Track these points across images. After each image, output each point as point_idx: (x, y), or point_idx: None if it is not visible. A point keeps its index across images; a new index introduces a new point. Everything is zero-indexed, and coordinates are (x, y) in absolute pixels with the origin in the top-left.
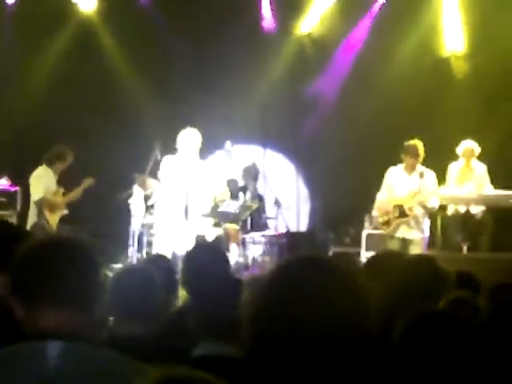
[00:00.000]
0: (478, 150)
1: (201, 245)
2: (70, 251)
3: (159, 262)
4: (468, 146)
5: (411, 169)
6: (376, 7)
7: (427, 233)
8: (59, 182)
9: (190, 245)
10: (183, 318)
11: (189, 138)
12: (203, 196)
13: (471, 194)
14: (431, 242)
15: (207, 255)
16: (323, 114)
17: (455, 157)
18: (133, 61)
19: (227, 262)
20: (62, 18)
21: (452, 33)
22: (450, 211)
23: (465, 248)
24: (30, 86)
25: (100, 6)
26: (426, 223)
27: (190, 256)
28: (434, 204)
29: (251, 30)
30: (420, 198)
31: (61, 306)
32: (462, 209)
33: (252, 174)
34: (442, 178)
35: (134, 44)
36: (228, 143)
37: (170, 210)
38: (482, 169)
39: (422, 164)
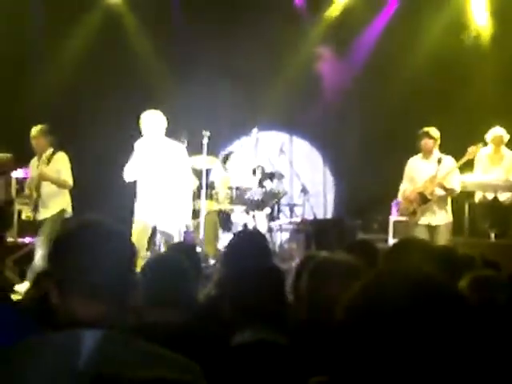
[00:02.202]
0: (506, 137)
1: (243, 232)
2: (110, 238)
3: (185, 250)
4: (497, 133)
5: (428, 154)
6: None
7: (451, 217)
8: None
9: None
10: (216, 305)
11: (150, 120)
12: (177, 176)
13: (499, 181)
14: (458, 229)
15: (249, 243)
16: (349, 100)
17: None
18: (157, 46)
19: (268, 250)
20: (89, 4)
21: (478, 18)
22: (477, 198)
23: (492, 235)
24: (55, 73)
25: None
26: (449, 206)
27: (232, 243)
28: (455, 185)
29: (276, 13)
30: (438, 180)
31: (94, 295)
32: (490, 195)
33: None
34: (469, 165)
35: (158, 29)
36: (255, 130)
37: (142, 192)
38: (510, 156)
39: (451, 152)
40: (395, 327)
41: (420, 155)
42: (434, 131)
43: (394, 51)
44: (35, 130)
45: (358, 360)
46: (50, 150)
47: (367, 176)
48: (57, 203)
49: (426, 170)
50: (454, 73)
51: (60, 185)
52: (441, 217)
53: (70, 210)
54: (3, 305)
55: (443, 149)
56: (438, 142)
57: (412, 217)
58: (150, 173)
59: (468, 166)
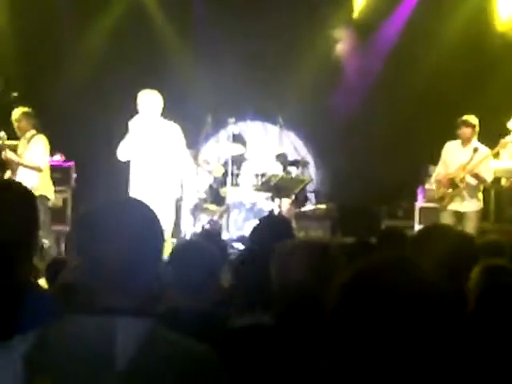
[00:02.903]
0: None
1: (268, 218)
2: (138, 224)
3: (211, 237)
4: None
5: (467, 142)
6: None
7: (481, 205)
8: None
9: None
10: (234, 291)
11: (146, 99)
12: (172, 156)
13: None
14: (485, 215)
15: (272, 229)
16: (374, 85)
17: (507, 131)
18: (182, 37)
19: (293, 235)
20: None
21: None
22: (503, 184)
23: None
24: (80, 64)
25: None
26: (479, 193)
27: (256, 228)
28: (487, 176)
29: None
30: (470, 167)
31: (119, 288)
32: None
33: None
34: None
35: (183, 20)
36: (280, 118)
37: (137, 171)
38: None
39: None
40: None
41: (459, 141)
42: (473, 119)
43: (419, 37)
44: (17, 113)
45: (348, 347)
46: (32, 132)
47: (392, 162)
48: (33, 189)
49: (461, 157)
50: (479, 59)
51: (30, 167)
52: (470, 204)
53: (51, 196)
54: (36, 291)
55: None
56: (477, 129)
57: (441, 201)
58: (145, 152)
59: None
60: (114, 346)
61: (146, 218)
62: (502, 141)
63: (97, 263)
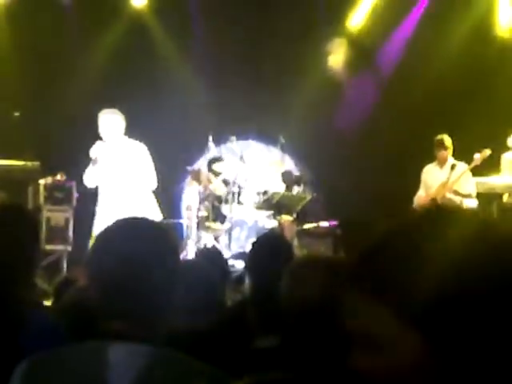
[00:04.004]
0: None
1: (265, 236)
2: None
3: (212, 256)
4: None
5: (443, 162)
6: None
7: None
8: None
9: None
10: (243, 310)
11: (106, 120)
12: (139, 177)
13: None
14: None
15: (272, 245)
16: (374, 105)
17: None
18: (184, 54)
19: (291, 254)
20: (115, 12)
21: (504, 20)
22: (505, 201)
23: None
24: (81, 83)
25: (151, 1)
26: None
27: (254, 247)
28: (469, 189)
29: (304, 23)
30: (449, 185)
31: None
32: None
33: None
34: (496, 167)
35: (184, 37)
36: (281, 137)
37: (104, 196)
38: None
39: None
40: None
41: (435, 162)
42: (447, 140)
43: (419, 53)
44: None
45: None
46: None
47: (395, 177)
48: None
49: (440, 177)
50: (479, 76)
51: None
52: None
53: None
54: (37, 311)
55: (465, 152)
56: (452, 148)
57: None
58: (111, 176)
59: (494, 169)
60: (108, 375)
61: (158, 242)
62: (475, 156)
63: (103, 284)
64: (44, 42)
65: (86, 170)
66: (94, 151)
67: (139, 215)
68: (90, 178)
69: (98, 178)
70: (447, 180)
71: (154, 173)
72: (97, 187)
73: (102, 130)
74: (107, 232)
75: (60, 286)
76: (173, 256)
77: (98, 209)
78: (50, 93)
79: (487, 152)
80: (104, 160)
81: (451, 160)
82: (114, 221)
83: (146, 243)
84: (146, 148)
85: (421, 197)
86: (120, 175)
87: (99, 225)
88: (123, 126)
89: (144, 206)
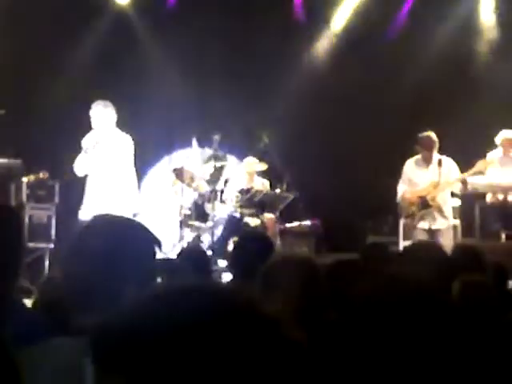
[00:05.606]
0: None
1: (248, 234)
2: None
3: (194, 255)
4: (507, 136)
5: (428, 160)
6: None
7: (453, 220)
8: None
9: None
10: None
11: (97, 112)
12: (121, 167)
13: (510, 183)
14: (469, 231)
15: (254, 244)
16: (359, 103)
17: (494, 145)
18: (168, 52)
19: (273, 251)
20: (99, 9)
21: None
22: (488, 199)
23: (503, 236)
24: (64, 82)
25: None
26: (450, 211)
27: (237, 244)
28: (456, 176)
29: (283, 22)
30: (441, 186)
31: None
32: (501, 197)
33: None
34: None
35: (167, 36)
36: (264, 136)
37: (91, 185)
38: None
39: (461, 155)
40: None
41: (419, 157)
42: (435, 139)
43: (404, 52)
44: None
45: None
46: None
47: (378, 177)
48: None
49: (428, 175)
50: (465, 76)
51: None
52: (441, 221)
53: None
54: (23, 311)
55: (452, 151)
56: (437, 145)
57: (410, 219)
58: (98, 166)
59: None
60: (84, 369)
61: (124, 237)
62: (478, 164)
63: (73, 279)
64: (26, 41)
65: (77, 159)
66: (86, 141)
67: (121, 206)
68: (80, 167)
69: (88, 167)
70: (438, 181)
71: (131, 165)
72: (86, 176)
73: (93, 121)
74: (81, 231)
75: (41, 286)
76: (147, 254)
77: (85, 197)
78: (33, 93)
79: (488, 162)
80: (94, 150)
81: (436, 155)
82: (94, 215)
83: (120, 242)
84: (130, 141)
85: (406, 192)
86: (106, 165)
87: (85, 213)
88: (114, 118)
89: (125, 196)
